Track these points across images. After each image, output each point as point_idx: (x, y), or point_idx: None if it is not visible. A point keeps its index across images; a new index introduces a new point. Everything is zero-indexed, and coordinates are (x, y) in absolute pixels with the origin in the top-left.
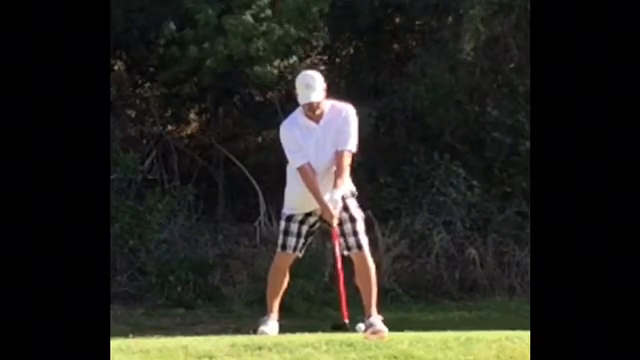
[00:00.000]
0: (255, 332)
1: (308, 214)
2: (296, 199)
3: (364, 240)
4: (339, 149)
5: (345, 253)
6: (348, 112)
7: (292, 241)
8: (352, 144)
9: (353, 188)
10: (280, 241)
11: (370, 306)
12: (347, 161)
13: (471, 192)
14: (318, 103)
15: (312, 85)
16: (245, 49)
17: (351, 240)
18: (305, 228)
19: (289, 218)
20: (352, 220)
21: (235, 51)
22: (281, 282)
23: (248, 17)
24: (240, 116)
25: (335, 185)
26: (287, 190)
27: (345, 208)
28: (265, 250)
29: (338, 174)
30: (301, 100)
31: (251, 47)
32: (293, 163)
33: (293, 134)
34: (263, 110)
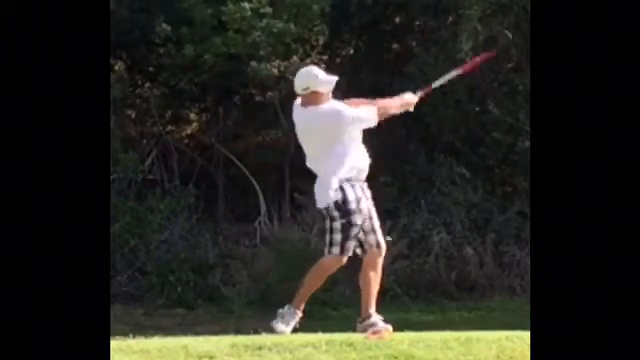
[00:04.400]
0: (259, 330)
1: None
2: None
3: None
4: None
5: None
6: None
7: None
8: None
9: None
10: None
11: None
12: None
13: (471, 192)
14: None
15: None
16: (242, 42)
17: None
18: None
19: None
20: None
21: (233, 43)
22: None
23: (246, 5)
24: (240, 116)
25: None
26: None
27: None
28: (265, 250)
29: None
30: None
31: (249, 39)
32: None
33: None
34: (263, 110)
